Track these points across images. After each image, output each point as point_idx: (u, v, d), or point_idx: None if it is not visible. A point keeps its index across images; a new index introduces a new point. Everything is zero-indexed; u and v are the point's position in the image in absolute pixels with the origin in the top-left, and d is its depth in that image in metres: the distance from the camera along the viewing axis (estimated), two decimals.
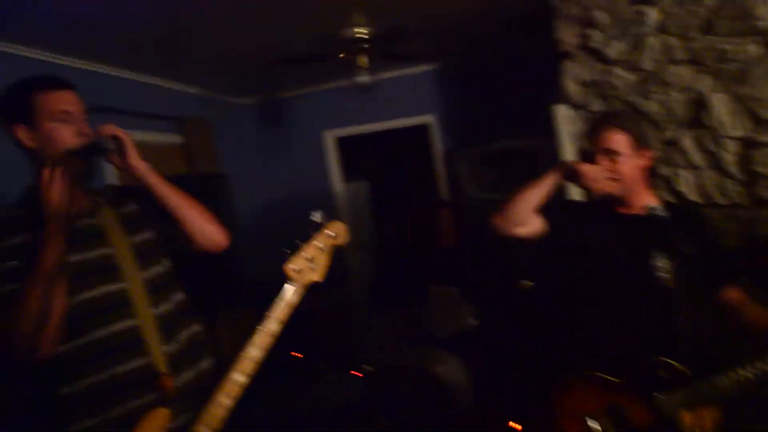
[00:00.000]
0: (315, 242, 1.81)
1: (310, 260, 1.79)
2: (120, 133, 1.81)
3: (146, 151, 4.62)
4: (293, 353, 4.52)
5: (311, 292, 1.80)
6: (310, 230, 1.81)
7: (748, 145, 3.03)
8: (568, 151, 3.92)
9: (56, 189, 1.64)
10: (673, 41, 3.26)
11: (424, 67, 5.87)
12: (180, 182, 3.92)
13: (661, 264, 1.95)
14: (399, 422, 3.57)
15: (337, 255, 5.16)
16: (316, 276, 1.79)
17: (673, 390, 1.96)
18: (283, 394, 3.72)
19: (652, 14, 3.33)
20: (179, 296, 1.97)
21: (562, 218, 2.31)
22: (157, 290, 1.87)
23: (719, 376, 1.90)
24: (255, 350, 1.71)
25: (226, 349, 4.32)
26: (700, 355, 2.00)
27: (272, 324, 1.73)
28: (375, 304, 6.02)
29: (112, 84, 4.45)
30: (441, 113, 5.86)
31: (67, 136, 1.75)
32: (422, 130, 5.97)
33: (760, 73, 2.93)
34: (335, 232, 1.85)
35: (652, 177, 2.23)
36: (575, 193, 3.16)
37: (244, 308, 4.57)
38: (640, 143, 2.12)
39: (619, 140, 2.10)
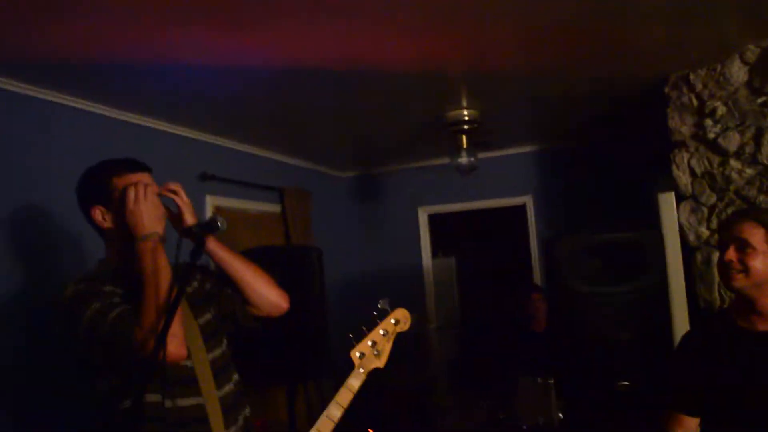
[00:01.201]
0: (379, 329, 1.91)
1: (374, 347, 1.88)
2: (179, 189, 1.90)
3: (247, 219, 4.82)
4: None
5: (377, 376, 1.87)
6: (376, 317, 1.92)
7: None
8: (672, 242, 3.73)
9: (144, 209, 1.77)
10: None
11: (524, 148, 5.82)
12: (275, 253, 4.01)
13: None
14: None
15: (421, 334, 5.03)
16: (379, 363, 1.88)
17: None
18: None
19: None
20: (236, 377, 2.02)
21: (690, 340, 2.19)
22: (219, 372, 1.91)
23: None
24: None
25: (301, 420, 4.26)
26: None
27: (334, 409, 1.80)
28: (456, 385, 5.82)
29: (216, 153, 4.60)
30: (538, 195, 5.76)
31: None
32: (518, 211, 5.87)
33: None
34: (399, 319, 1.94)
35: None
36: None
37: (327, 381, 4.51)
38: None
39: (753, 233, 1.96)
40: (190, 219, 1.88)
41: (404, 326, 1.96)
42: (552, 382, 3.57)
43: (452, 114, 4.16)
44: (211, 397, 1.84)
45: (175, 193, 1.90)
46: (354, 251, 6.34)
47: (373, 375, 1.88)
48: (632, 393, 3.09)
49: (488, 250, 7.13)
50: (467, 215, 6.36)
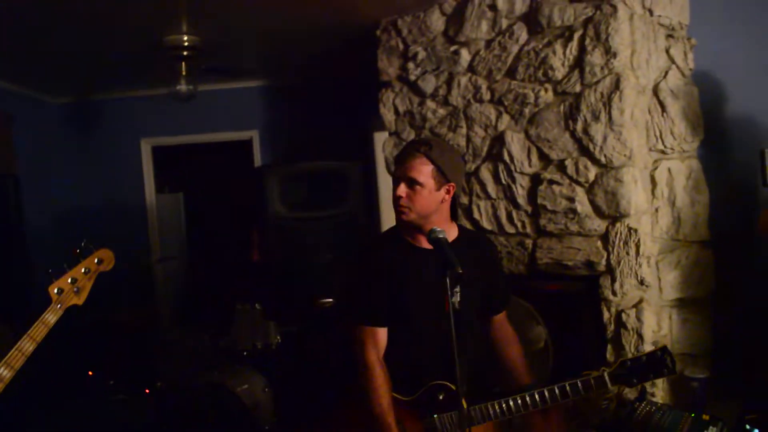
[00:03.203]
0: (81, 267, 1.94)
1: (74, 283, 1.90)
2: None
3: None
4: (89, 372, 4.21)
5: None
6: (79, 255, 1.95)
7: (535, 181, 3.35)
8: (382, 174, 4.09)
9: None
10: (481, 81, 3.54)
11: (249, 83, 5.81)
12: None
13: (453, 289, 2.00)
14: None
15: (144, 269, 4.86)
16: (78, 300, 1.91)
17: (448, 412, 2.11)
18: (72, 416, 3.43)
19: (465, 54, 3.60)
20: None
21: (373, 250, 2.36)
22: None
23: (489, 402, 2.10)
24: (4, 369, 1.75)
25: None
26: (479, 379, 2.17)
27: (26, 344, 1.79)
28: (182, 321, 5.78)
29: None
30: (264, 130, 5.84)
31: None
32: (245, 145, 5.90)
33: (550, 117, 3.26)
34: (103, 259, 1.99)
35: (455, 207, 2.33)
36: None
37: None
38: (443, 176, 2.12)
39: (421, 170, 2.10)
40: None
41: (108, 266, 1.99)
42: (260, 307, 3.70)
43: (171, 38, 4.00)
44: None
45: None
46: (71, 183, 5.84)
47: (71, 311, 1.89)
48: (335, 308, 3.37)
49: (218, 184, 7.06)
50: (195, 150, 6.22)
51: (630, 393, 3.09)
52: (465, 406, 2.02)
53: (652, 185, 3.21)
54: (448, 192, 2.16)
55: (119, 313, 4.50)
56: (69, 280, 1.90)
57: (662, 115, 3.20)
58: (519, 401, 2.08)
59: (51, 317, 1.83)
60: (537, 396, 2.07)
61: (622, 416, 2.92)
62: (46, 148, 5.64)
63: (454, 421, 2.11)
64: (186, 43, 4.03)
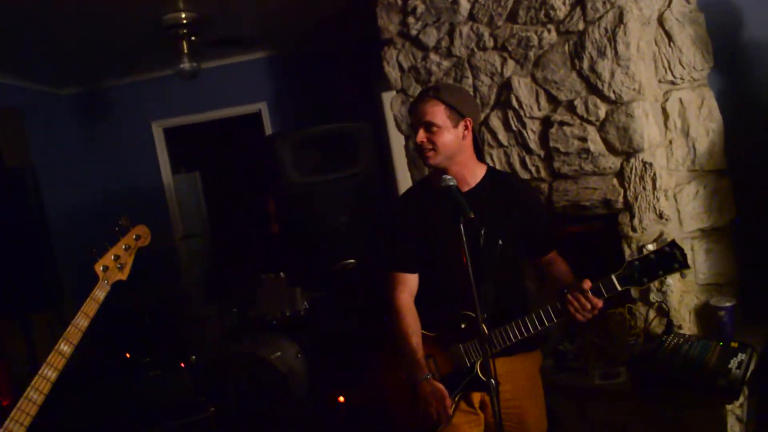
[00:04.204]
0: (122, 243, 2.02)
1: (117, 260, 1.99)
2: None
3: None
4: (126, 354, 4.33)
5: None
6: (118, 233, 2.04)
7: (546, 124, 3.32)
8: (393, 134, 4.08)
9: None
10: (482, 29, 3.49)
11: (255, 55, 5.80)
12: None
13: (479, 231, 2.12)
14: (233, 410, 3.53)
15: (169, 248, 4.96)
16: (122, 275, 2.00)
17: (471, 340, 2.14)
18: (110, 393, 3.54)
19: (464, 3, 3.54)
20: None
21: (399, 200, 2.48)
22: None
23: (507, 324, 2.12)
24: (65, 345, 1.83)
25: (41, 350, 4.05)
26: (504, 315, 2.18)
27: (81, 319, 1.87)
28: (210, 296, 5.88)
29: None
30: (272, 101, 5.84)
31: None
32: (255, 118, 5.91)
33: (555, 58, 3.21)
34: (141, 234, 2.09)
35: (479, 146, 2.34)
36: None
37: (64, 309, 4.30)
38: (457, 113, 2.19)
39: (435, 112, 2.17)
40: None
41: (145, 241, 2.09)
42: (284, 276, 3.76)
43: (170, 17, 3.99)
44: None
45: None
46: (86, 173, 5.93)
47: (116, 286, 1.98)
48: (358, 269, 3.41)
49: (232, 161, 7.11)
50: (207, 127, 6.25)
51: (657, 327, 3.11)
52: (485, 330, 2.07)
53: (664, 117, 3.16)
54: (466, 128, 2.23)
55: (149, 293, 4.59)
56: (112, 257, 1.98)
57: (669, 45, 3.13)
58: (535, 319, 2.10)
59: (100, 293, 1.92)
60: (551, 310, 2.09)
61: (650, 350, 2.94)
62: (59, 140, 5.72)
63: (477, 346, 2.16)
64: (185, 20, 4.03)
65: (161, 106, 5.97)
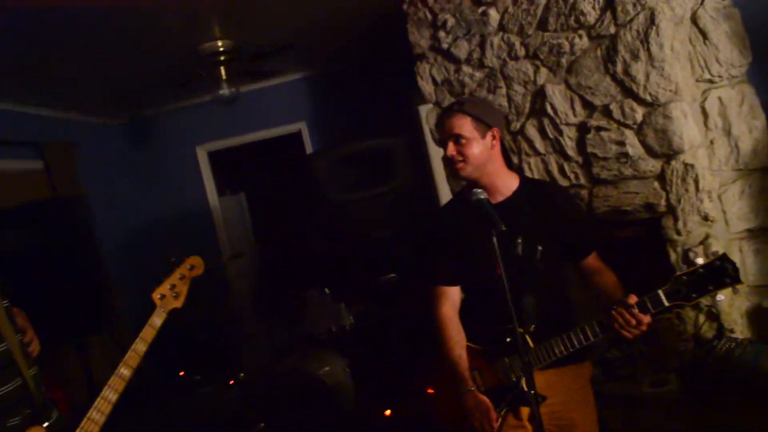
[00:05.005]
0: (177, 273, 2.13)
1: (173, 289, 2.10)
2: None
3: (5, 179, 4.47)
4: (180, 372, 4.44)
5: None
6: (174, 263, 2.16)
7: (582, 130, 3.29)
8: (431, 147, 4.11)
9: None
10: (513, 38, 3.49)
11: (292, 76, 5.91)
12: (35, 208, 3.83)
13: (514, 241, 2.15)
14: (282, 424, 3.59)
15: (218, 269, 5.06)
16: (177, 303, 2.11)
17: (516, 354, 2.13)
18: (165, 410, 3.66)
19: (493, 14, 3.56)
20: None
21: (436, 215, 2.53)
22: None
23: (552, 339, 2.10)
24: (125, 369, 1.94)
25: (97, 371, 4.20)
26: (549, 324, 2.17)
27: (140, 345, 1.98)
28: (260, 314, 5.99)
29: None
30: (312, 120, 5.94)
31: None
32: (296, 137, 6.01)
33: (588, 63, 3.19)
34: (195, 265, 2.19)
35: (508, 155, 2.36)
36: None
37: (118, 331, 4.45)
38: (483, 124, 2.21)
39: (461, 125, 2.20)
40: None
41: (199, 271, 2.19)
42: (329, 291, 3.82)
43: (207, 46, 4.12)
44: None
45: None
46: (135, 200, 6.12)
47: (173, 314, 2.10)
48: (400, 282, 3.44)
49: (275, 181, 7.24)
50: (250, 149, 6.39)
51: (708, 332, 3.04)
52: (531, 344, 2.09)
53: (704, 117, 3.10)
54: (494, 138, 2.25)
55: (200, 313, 4.71)
56: (168, 287, 2.09)
57: (704, 43, 3.07)
58: (580, 334, 2.07)
59: (157, 320, 2.03)
60: (596, 326, 2.05)
61: (701, 356, 2.88)
62: (109, 168, 5.92)
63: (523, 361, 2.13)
64: (221, 48, 4.14)
65: (205, 130, 6.13)
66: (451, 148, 2.23)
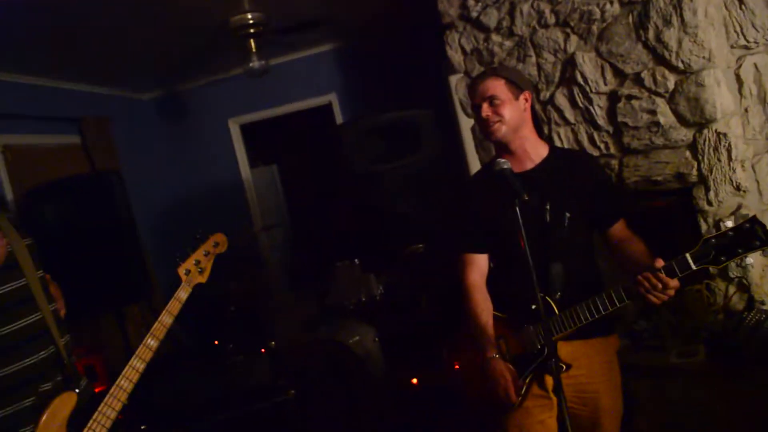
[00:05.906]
0: (202, 250, 2.21)
1: (198, 265, 2.18)
2: None
3: (45, 154, 4.61)
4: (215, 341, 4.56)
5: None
6: (199, 240, 2.23)
7: (613, 98, 3.24)
8: (462, 117, 4.08)
9: None
10: (543, 5, 3.44)
11: (322, 48, 5.91)
12: (70, 182, 3.94)
13: (544, 207, 2.15)
14: (312, 392, 3.67)
15: (250, 240, 5.14)
16: (202, 279, 2.19)
17: (541, 321, 2.13)
18: (198, 376, 3.77)
19: None
20: None
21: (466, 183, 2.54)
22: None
23: (578, 305, 2.09)
24: (152, 340, 2.03)
25: (134, 338, 4.34)
26: (576, 291, 2.16)
27: (166, 317, 2.07)
28: (290, 284, 6.08)
29: (4, 89, 4.32)
30: (342, 91, 5.94)
31: None
32: (327, 109, 6.03)
33: (620, 30, 3.13)
34: (219, 242, 2.27)
35: (539, 122, 2.36)
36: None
37: (154, 301, 4.58)
38: (516, 86, 2.24)
39: (495, 86, 2.22)
40: None
41: (223, 248, 2.28)
42: (358, 262, 3.87)
43: (236, 18, 4.14)
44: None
45: None
46: (170, 173, 6.23)
47: (197, 288, 2.17)
48: (428, 252, 3.46)
49: (307, 152, 7.28)
50: (282, 121, 6.42)
51: (738, 303, 3.00)
52: (556, 310, 2.10)
53: (738, 84, 3.03)
54: (526, 100, 2.28)
55: (233, 283, 4.81)
56: (194, 262, 2.17)
57: (740, 8, 2.98)
58: (606, 299, 2.04)
59: (182, 294, 2.11)
60: (622, 291, 2.02)
61: (730, 327, 2.85)
62: (143, 142, 6.03)
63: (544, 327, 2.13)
64: (251, 21, 4.15)
65: (236, 103, 6.17)
66: (486, 109, 2.23)
